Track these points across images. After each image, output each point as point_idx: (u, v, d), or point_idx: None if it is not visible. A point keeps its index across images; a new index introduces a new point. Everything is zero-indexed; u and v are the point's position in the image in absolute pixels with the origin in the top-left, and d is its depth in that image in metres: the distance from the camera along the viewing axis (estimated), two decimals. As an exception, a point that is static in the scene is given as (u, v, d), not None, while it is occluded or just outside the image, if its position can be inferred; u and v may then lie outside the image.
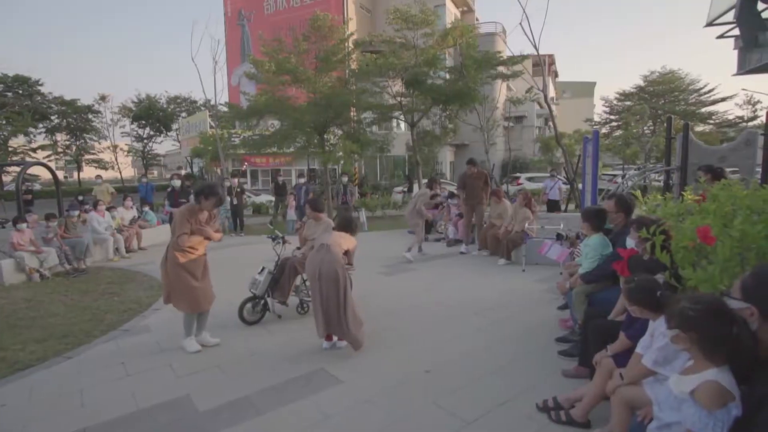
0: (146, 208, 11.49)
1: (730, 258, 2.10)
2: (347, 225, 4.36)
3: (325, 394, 3.35)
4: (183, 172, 25.66)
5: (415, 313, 5.17)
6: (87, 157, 35.79)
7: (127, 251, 9.51)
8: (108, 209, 10.17)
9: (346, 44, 15.21)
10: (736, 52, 6.27)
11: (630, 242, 3.24)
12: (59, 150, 34.65)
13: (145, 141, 38.55)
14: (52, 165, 37.40)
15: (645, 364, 2.34)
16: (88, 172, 38.32)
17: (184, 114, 38.59)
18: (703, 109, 38.60)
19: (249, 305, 4.90)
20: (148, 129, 38.10)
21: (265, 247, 5.37)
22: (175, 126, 38.64)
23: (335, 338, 4.16)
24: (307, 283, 5.29)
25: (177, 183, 7.72)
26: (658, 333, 2.38)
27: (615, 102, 43.02)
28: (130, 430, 2.99)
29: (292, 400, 3.26)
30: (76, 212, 8.27)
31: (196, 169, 32.14)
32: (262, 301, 4.94)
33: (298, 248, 5.44)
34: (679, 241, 2.55)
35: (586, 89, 55.07)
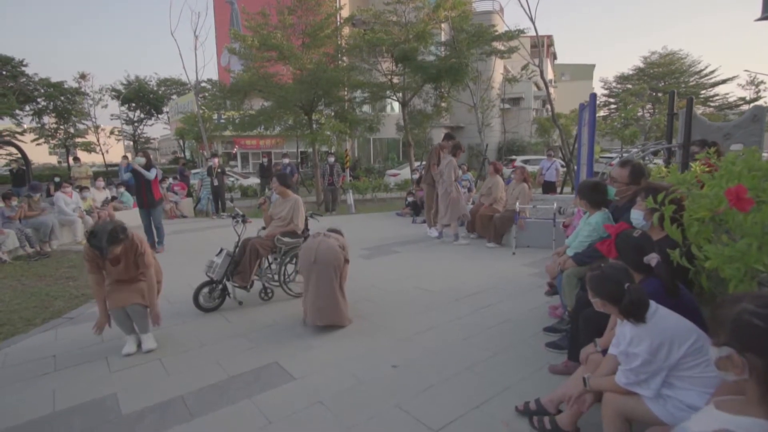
0: (122, 189, 10.97)
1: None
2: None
3: (273, 393, 2.87)
4: (175, 156, 25.05)
5: (391, 300, 4.69)
6: (77, 139, 34.93)
7: (99, 234, 8.99)
8: (81, 189, 9.66)
9: (336, 19, 14.50)
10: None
11: (635, 214, 2.70)
12: (47, 134, 33.78)
13: (136, 124, 37.66)
14: (44, 149, 36.67)
15: (618, 383, 1.90)
16: (83, 157, 37.44)
17: (174, 96, 37.66)
18: (704, 92, 37.89)
19: (206, 290, 4.42)
20: (138, 112, 37.20)
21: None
22: (166, 109, 37.76)
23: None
24: (272, 266, 4.82)
25: (141, 160, 7.15)
26: (623, 343, 1.91)
27: (614, 84, 42.30)
28: (32, 439, 2.52)
29: (233, 401, 2.79)
30: (38, 194, 7.73)
31: (187, 153, 31.46)
32: (221, 286, 4.45)
33: (263, 228, 4.94)
34: (694, 212, 2.06)
35: (584, 72, 54.00)
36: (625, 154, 14.62)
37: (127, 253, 3.50)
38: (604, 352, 2.25)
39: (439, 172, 7.40)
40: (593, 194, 3.48)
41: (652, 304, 1.85)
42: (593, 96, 4.40)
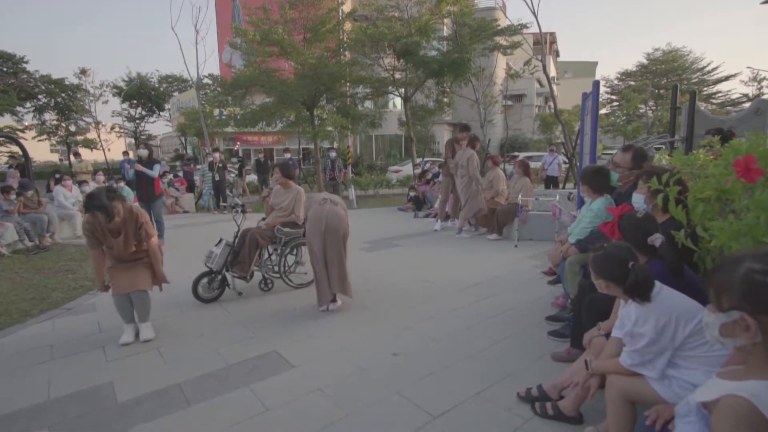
0: (122, 184, 10.93)
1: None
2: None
3: (271, 381, 2.84)
4: (177, 153, 24.98)
5: (393, 291, 4.65)
6: (78, 137, 34.88)
7: (99, 228, 8.97)
8: (81, 184, 9.66)
9: (337, 13, 14.45)
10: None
11: (637, 198, 2.65)
12: (48, 131, 33.75)
13: (137, 121, 37.63)
14: (45, 146, 36.61)
15: (622, 365, 1.86)
16: (85, 154, 37.34)
17: (176, 93, 37.59)
18: (706, 89, 37.68)
19: (205, 281, 4.38)
20: (139, 109, 37.16)
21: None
22: (167, 106, 37.70)
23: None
24: (273, 257, 4.78)
25: (144, 153, 7.12)
26: (628, 323, 1.85)
27: (616, 82, 42.13)
28: (25, 426, 2.48)
29: (231, 389, 2.75)
30: (29, 191, 7.73)
31: (189, 150, 31.39)
32: (220, 277, 4.42)
33: (263, 219, 4.90)
34: (699, 192, 2.01)
35: (587, 69, 53.83)
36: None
37: (127, 223, 3.46)
38: (608, 336, 2.21)
39: (455, 165, 7.31)
40: (595, 179, 3.44)
41: (657, 283, 1.81)
42: (596, 84, 4.34)
